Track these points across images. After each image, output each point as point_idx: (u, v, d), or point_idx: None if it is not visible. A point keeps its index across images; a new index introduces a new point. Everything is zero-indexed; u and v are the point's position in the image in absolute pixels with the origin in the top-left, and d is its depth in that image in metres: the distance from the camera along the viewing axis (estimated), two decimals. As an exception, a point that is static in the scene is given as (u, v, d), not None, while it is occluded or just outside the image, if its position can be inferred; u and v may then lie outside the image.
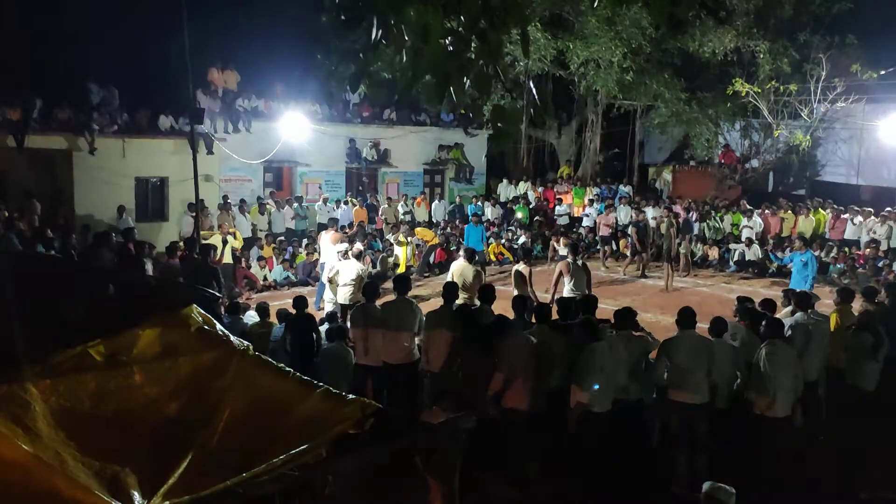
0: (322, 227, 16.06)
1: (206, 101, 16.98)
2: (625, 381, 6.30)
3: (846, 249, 16.30)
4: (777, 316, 7.37)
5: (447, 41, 2.85)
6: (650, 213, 17.90)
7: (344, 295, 10.41)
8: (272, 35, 18.57)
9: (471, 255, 10.26)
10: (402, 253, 14.40)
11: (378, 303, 7.85)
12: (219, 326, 3.73)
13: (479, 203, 20.19)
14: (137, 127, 17.05)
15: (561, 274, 10.10)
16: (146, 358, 3.34)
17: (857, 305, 8.23)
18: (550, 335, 6.57)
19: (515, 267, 10.42)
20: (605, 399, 6.07)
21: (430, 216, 20.24)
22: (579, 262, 10.30)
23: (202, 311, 3.76)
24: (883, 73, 17.42)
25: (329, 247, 12.74)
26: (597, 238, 18.48)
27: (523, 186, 22.22)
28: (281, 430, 3.12)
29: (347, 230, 15.54)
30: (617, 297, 13.73)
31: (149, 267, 10.48)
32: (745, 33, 18.66)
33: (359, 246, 11.62)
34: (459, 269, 9.80)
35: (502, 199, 21.25)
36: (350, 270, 10.48)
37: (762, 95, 18.84)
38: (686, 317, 6.46)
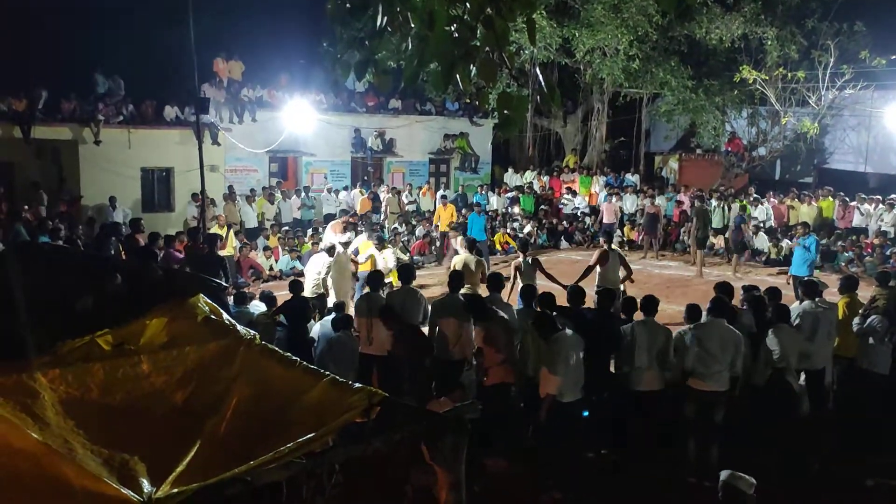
0: (330, 217, 16.11)
1: (211, 91, 16.96)
2: (646, 363, 6.39)
3: (853, 237, 16.24)
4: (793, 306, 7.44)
5: (452, 28, 2.83)
6: (659, 201, 18.03)
7: (308, 288, 9.95)
8: (276, 24, 18.52)
9: (471, 245, 10.38)
10: (378, 259, 11.70)
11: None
12: (225, 316, 3.75)
13: (485, 192, 20.15)
14: (143, 117, 17.06)
15: (598, 262, 10.09)
16: (153, 347, 3.36)
17: (865, 292, 8.20)
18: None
19: (518, 260, 10.05)
20: (573, 389, 6.10)
21: (436, 206, 20.20)
22: (616, 252, 10.31)
23: (209, 301, 3.78)
24: (893, 58, 17.25)
25: (331, 237, 12.71)
26: (601, 227, 18.47)
27: (529, 175, 22.16)
28: (288, 418, 3.13)
29: (352, 218, 15.53)
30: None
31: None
32: (753, 20, 18.51)
33: (332, 240, 11.51)
34: (462, 259, 9.86)
35: (508, 188, 21.18)
36: (315, 264, 10.35)
37: (769, 83, 18.71)
38: (719, 305, 6.56)
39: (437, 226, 16.86)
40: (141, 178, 16.94)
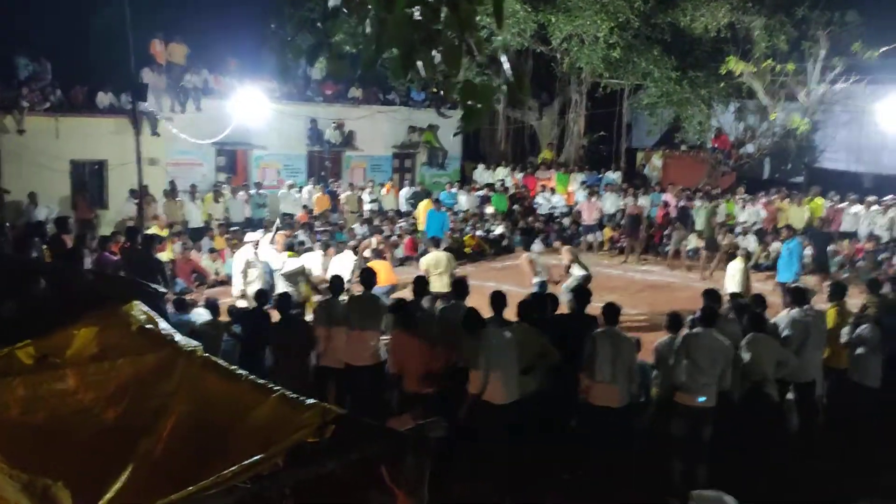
0: (287, 216, 16.13)
1: (150, 76, 16.74)
2: (608, 377, 6.41)
3: (845, 241, 16.61)
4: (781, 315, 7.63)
5: (414, 10, 2.83)
6: (642, 201, 18.36)
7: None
8: (223, 3, 18.33)
9: (437, 243, 10.81)
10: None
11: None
12: (163, 325, 3.70)
13: (454, 190, 20.17)
14: (73, 105, 16.77)
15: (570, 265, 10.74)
16: (81, 360, 3.30)
17: (857, 300, 8.41)
18: (528, 332, 6.64)
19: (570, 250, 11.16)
20: (505, 391, 6.15)
21: (398, 203, 20.20)
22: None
23: (145, 308, 3.73)
24: (885, 49, 17.69)
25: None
26: (580, 228, 18.67)
27: (501, 172, 22.25)
28: (232, 438, 3.10)
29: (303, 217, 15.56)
30: (601, 292, 13.80)
31: (88, 261, 10.34)
32: (740, 8, 18.86)
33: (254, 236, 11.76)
34: (434, 259, 9.97)
35: (479, 186, 21.24)
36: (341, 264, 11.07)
37: (757, 75, 19.08)
38: (708, 314, 6.68)
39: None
40: (71, 171, 16.66)
